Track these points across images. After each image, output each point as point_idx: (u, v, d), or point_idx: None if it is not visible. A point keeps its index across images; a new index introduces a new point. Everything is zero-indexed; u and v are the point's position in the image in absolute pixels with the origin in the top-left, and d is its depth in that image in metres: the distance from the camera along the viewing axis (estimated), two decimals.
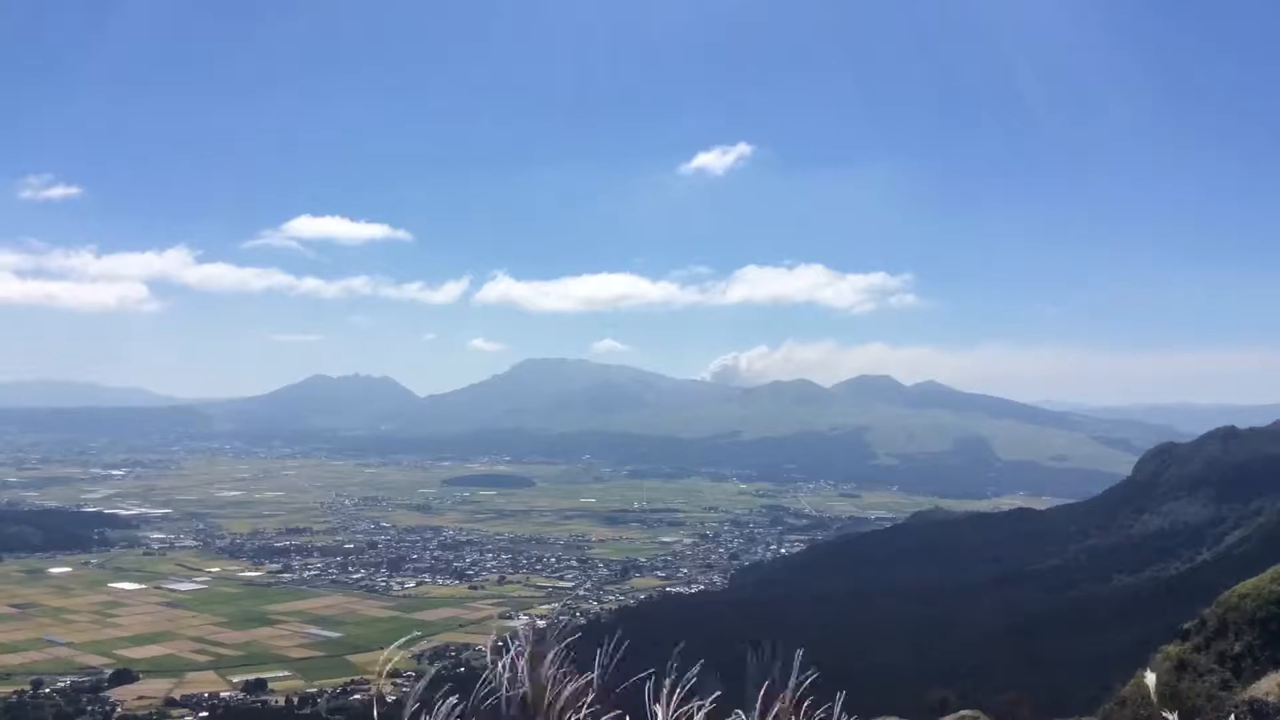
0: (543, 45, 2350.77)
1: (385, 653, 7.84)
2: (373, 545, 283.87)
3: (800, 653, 6.80)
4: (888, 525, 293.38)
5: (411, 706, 6.24)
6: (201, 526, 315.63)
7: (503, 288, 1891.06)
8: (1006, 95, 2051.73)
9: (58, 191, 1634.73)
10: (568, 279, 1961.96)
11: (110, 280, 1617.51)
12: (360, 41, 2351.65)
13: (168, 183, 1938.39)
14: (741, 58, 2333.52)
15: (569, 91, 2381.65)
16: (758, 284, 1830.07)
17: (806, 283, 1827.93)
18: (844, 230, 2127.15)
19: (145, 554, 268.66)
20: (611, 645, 6.89)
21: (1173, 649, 30.58)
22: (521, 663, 6.63)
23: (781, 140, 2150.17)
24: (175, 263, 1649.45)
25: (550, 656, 6.70)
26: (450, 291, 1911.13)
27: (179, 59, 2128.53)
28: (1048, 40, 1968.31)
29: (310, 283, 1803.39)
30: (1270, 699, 18.94)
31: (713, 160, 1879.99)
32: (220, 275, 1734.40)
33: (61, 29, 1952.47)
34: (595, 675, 6.77)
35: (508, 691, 6.52)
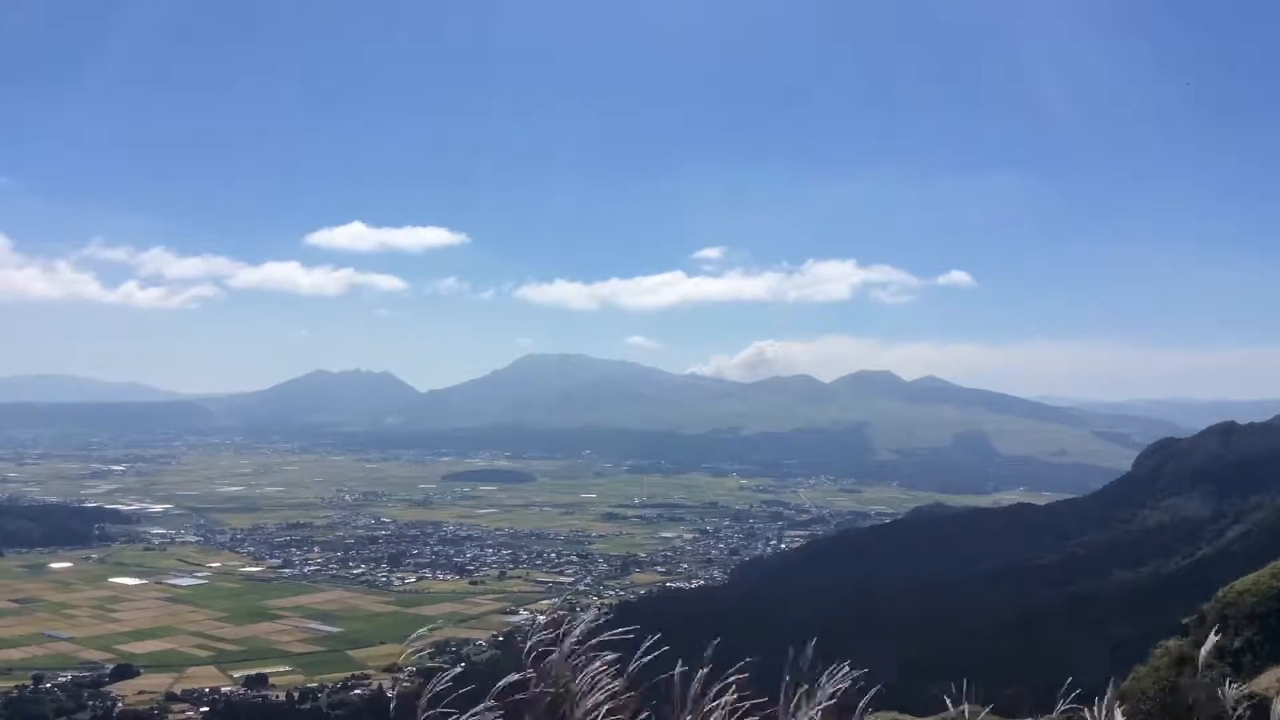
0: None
1: (405, 644, 7.78)
2: (373, 540, 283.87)
3: (847, 666, 6.79)
4: (888, 520, 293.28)
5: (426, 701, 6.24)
6: (202, 522, 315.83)
7: (552, 288, 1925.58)
8: (1024, 92, 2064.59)
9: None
10: (620, 279, 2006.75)
11: (119, 280, 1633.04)
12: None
13: (186, 185, 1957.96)
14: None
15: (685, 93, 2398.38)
16: (822, 282, 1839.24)
17: (868, 280, 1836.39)
18: (929, 233, 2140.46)
19: (146, 549, 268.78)
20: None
21: (1173, 644, 30.57)
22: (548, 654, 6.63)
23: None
24: (190, 261, 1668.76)
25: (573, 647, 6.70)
26: (500, 291, 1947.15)
27: (190, 61, 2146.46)
28: (1063, 43, 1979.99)
29: (358, 281, 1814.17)
30: (1271, 694, 18.96)
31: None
32: (248, 277, 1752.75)
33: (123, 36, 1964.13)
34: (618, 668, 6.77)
35: (533, 685, 6.51)
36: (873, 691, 7.25)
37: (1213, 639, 8.57)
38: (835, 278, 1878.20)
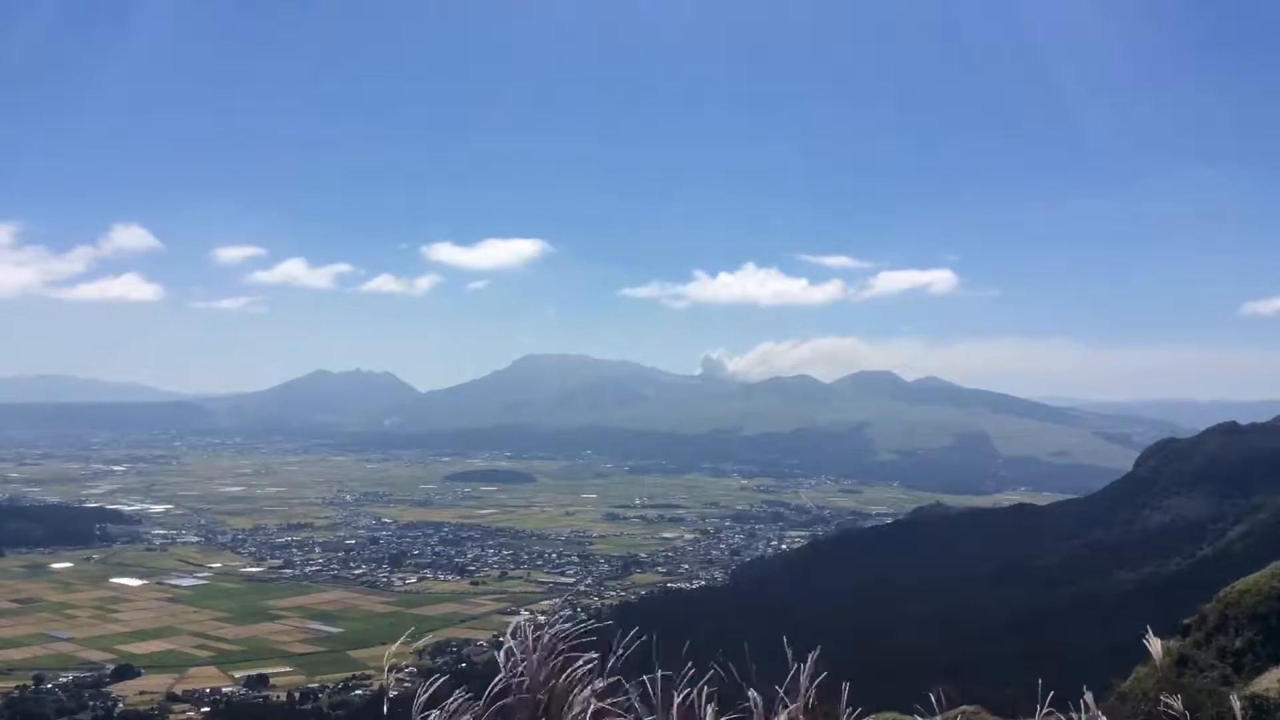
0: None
1: (390, 649, 7.85)
2: (374, 541, 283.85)
3: (815, 654, 6.80)
4: (888, 521, 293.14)
5: (421, 700, 6.24)
6: (203, 522, 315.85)
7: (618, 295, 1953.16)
8: (1029, 94, 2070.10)
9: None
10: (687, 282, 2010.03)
11: (120, 280, 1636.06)
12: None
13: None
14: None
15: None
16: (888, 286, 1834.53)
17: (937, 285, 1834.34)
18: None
19: (147, 549, 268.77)
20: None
21: (1173, 644, 30.57)
22: (531, 657, 6.63)
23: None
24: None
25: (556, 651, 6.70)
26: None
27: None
28: (1077, 39, 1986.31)
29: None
30: (1271, 695, 18.95)
31: None
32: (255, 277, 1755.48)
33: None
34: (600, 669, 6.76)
35: (518, 688, 6.51)
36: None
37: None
38: (837, 276, 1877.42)
